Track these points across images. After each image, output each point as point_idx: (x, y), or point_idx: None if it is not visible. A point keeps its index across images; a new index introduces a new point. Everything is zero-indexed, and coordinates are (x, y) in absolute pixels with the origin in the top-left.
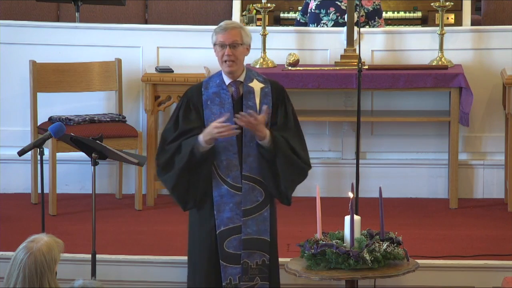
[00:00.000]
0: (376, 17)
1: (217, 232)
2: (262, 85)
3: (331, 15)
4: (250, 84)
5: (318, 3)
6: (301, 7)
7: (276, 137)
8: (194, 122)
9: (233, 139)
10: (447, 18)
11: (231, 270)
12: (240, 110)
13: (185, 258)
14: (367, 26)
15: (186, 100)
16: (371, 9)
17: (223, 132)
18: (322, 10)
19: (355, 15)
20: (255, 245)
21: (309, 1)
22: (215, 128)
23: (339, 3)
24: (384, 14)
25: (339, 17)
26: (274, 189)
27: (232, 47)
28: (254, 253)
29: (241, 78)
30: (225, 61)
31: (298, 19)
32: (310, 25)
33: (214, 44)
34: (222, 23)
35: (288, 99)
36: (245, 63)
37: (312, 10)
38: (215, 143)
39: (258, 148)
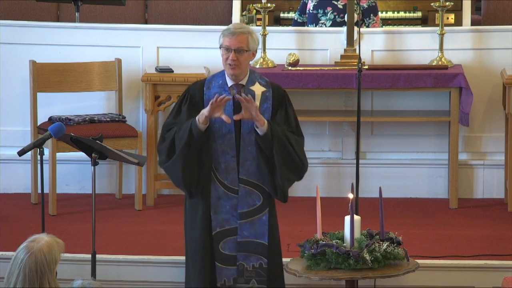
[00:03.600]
0: (371, 15)
1: (212, 234)
2: (263, 88)
3: (328, 14)
4: (252, 88)
5: (315, 3)
6: None
7: (274, 126)
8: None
9: (232, 143)
10: (447, 18)
11: (226, 271)
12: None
13: (185, 258)
14: (363, 24)
15: (190, 96)
16: (366, 6)
17: (216, 103)
18: (319, 10)
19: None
20: (252, 248)
21: (306, 1)
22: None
23: (335, 2)
24: (384, 14)
25: (336, 16)
26: (271, 186)
27: (237, 52)
28: (251, 256)
29: (243, 81)
30: (229, 64)
31: (295, 18)
32: (309, 25)
33: (220, 46)
34: (231, 26)
35: (289, 103)
36: None
37: (310, 11)
38: (214, 145)
39: (256, 140)
